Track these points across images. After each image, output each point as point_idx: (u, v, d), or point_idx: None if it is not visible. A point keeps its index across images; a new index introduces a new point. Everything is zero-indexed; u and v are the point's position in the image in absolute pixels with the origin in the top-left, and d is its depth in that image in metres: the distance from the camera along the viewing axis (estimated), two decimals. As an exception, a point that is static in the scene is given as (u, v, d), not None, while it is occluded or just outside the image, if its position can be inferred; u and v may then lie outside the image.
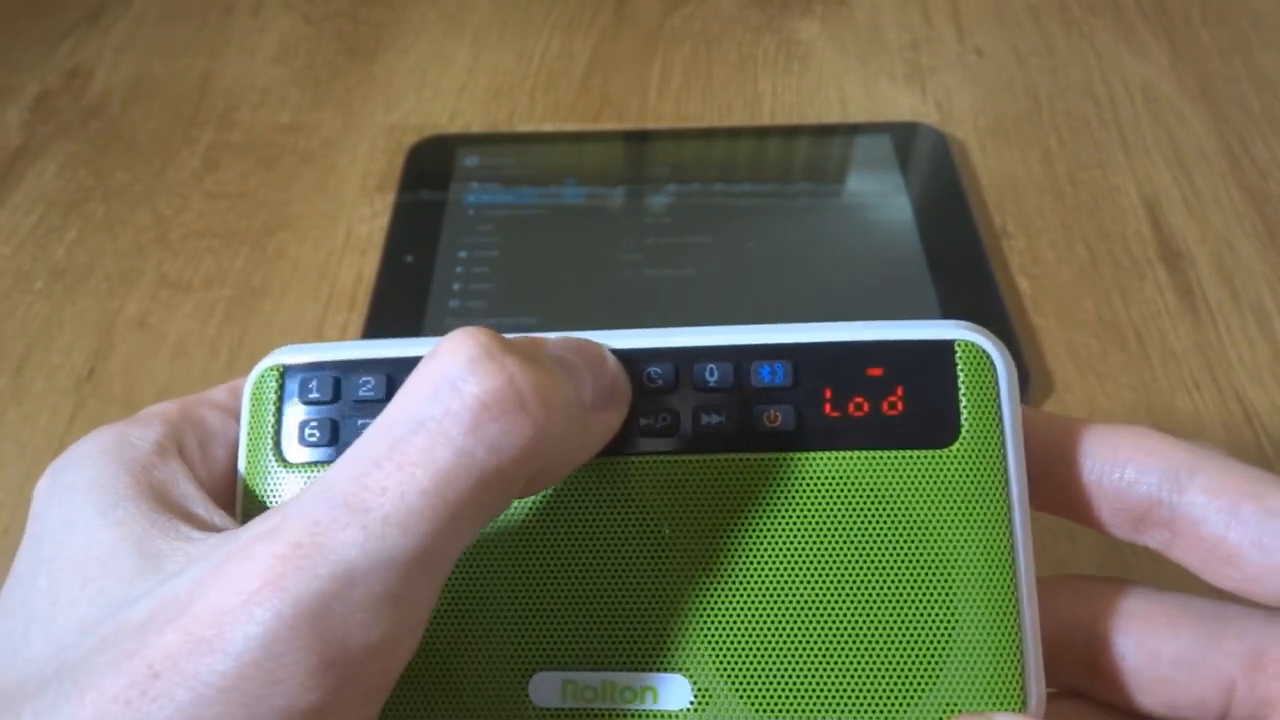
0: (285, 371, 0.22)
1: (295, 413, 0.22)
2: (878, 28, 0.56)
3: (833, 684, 0.19)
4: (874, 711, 0.19)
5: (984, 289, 0.41)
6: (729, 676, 0.20)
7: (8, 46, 0.57)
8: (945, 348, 0.20)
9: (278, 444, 0.22)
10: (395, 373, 0.21)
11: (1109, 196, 0.46)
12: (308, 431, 0.21)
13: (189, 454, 0.22)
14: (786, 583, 0.20)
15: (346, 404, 0.21)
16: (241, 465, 0.22)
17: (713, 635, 0.20)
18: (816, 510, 0.20)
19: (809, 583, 0.20)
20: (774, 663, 0.20)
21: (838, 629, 0.19)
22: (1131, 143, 0.49)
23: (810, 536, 0.20)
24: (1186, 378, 0.39)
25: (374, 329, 0.41)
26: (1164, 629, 0.20)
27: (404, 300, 0.42)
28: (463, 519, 0.17)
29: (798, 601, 0.20)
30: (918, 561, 0.20)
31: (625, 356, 0.21)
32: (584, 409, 0.19)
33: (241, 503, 0.22)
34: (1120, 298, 0.42)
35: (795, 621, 0.20)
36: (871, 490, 0.20)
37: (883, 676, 0.19)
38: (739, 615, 0.20)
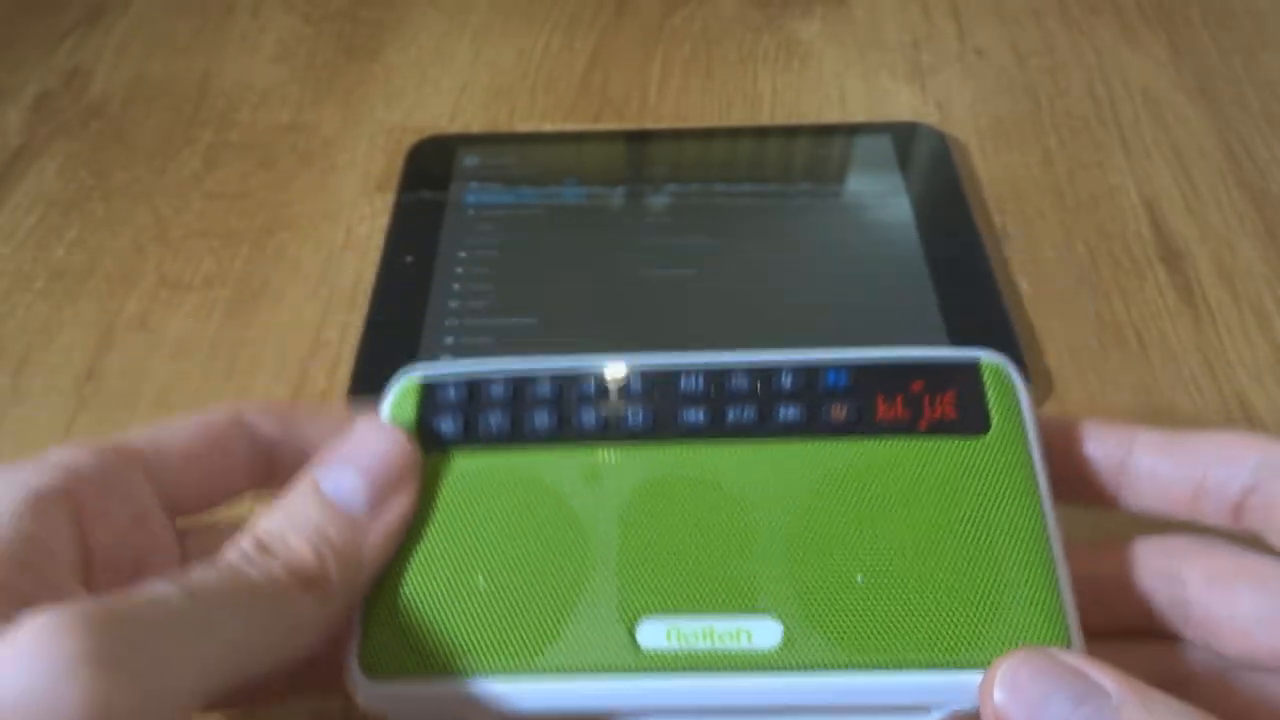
0: (423, 383, 0.26)
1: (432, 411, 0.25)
2: (878, 27, 0.56)
3: (903, 626, 0.22)
4: (941, 649, 0.22)
5: (984, 289, 0.41)
6: (815, 620, 0.22)
7: (8, 46, 0.57)
8: (972, 363, 0.25)
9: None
10: (523, 380, 0.25)
11: (1109, 196, 0.46)
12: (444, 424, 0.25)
13: (89, 508, 0.22)
14: (861, 543, 0.23)
15: (478, 404, 0.25)
16: None
17: (800, 585, 0.23)
18: (880, 482, 0.24)
19: (880, 543, 0.23)
20: (853, 609, 0.22)
21: (904, 581, 0.22)
22: (1131, 143, 0.49)
23: (877, 504, 0.23)
24: (1186, 378, 0.39)
25: (374, 329, 0.40)
26: (1246, 583, 0.23)
27: (404, 300, 0.42)
28: None
29: (871, 558, 0.23)
30: (966, 525, 0.23)
31: (713, 370, 0.25)
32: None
33: None
34: (1120, 298, 0.42)
35: (870, 574, 0.23)
36: (924, 468, 0.24)
37: (947, 620, 0.22)
38: (823, 569, 0.23)
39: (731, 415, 0.24)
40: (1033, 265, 0.43)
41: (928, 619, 0.22)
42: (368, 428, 0.24)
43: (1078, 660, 0.20)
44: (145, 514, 0.23)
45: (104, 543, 0.22)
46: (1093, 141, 0.49)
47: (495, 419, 0.25)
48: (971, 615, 0.22)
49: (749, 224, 0.44)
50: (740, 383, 0.25)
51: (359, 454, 0.23)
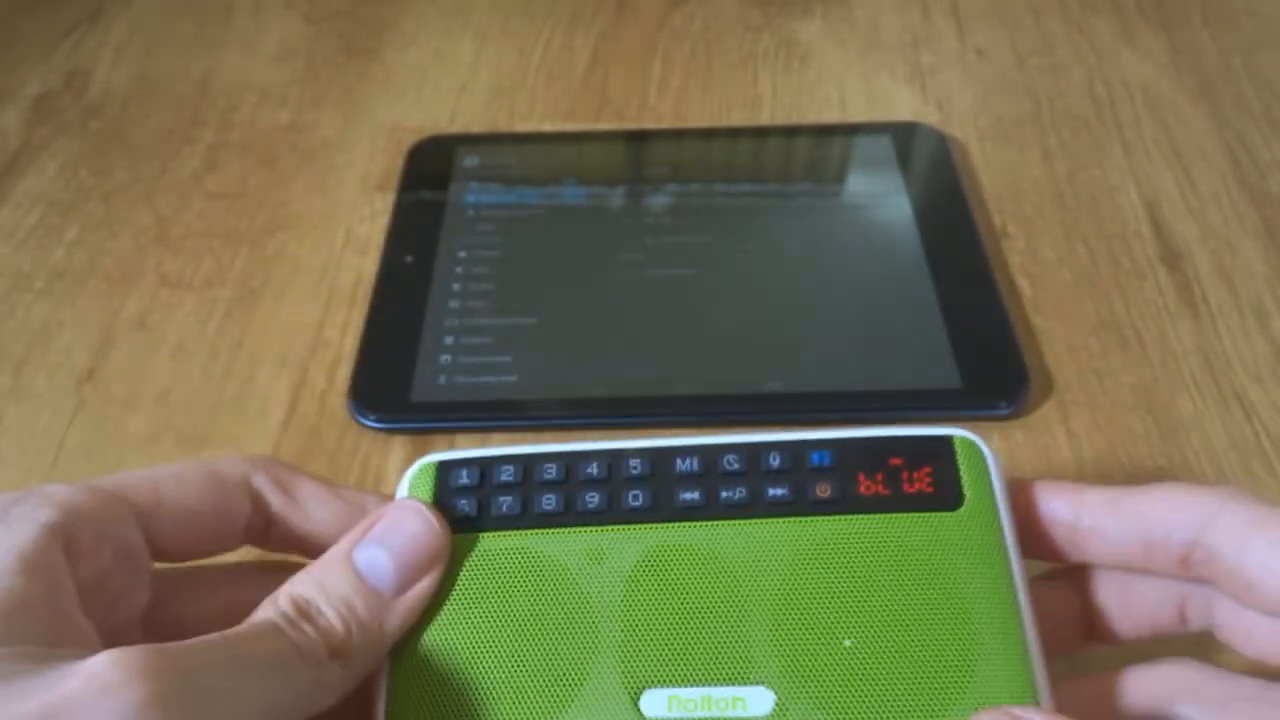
0: (439, 465, 0.27)
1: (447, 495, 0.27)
2: (878, 27, 0.56)
3: (884, 691, 0.24)
4: (919, 711, 0.24)
5: (984, 289, 0.41)
6: (804, 688, 0.24)
7: (8, 46, 0.57)
8: (946, 440, 0.27)
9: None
10: (531, 463, 0.27)
11: (1109, 196, 0.46)
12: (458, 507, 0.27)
13: (78, 549, 0.22)
14: (845, 615, 0.25)
15: (489, 487, 0.27)
16: None
17: (790, 656, 0.24)
18: (862, 556, 0.25)
19: (862, 614, 0.25)
20: (838, 677, 0.24)
21: (885, 649, 0.24)
22: (1131, 143, 0.49)
23: (860, 577, 0.25)
24: (1186, 378, 0.39)
25: (374, 329, 0.41)
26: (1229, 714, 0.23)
27: (404, 300, 0.42)
28: None
29: (854, 628, 0.24)
30: (943, 594, 0.25)
31: (707, 450, 0.27)
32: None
33: None
34: (1120, 298, 0.42)
35: (854, 643, 0.24)
36: (903, 541, 0.25)
37: (924, 684, 0.24)
38: (810, 640, 0.24)
39: (724, 495, 0.26)
40: (1033, 265, 0.43)
41: (907, 683, 0.24)
42: (404, 509, 0.25)
43: (1044, 718, 0.22)
44: (130, 559, 0.24)
45: (82, 578, 0.22)
46: (1093, 141, 0.49)
47: (506, 501, 0.27)
48: (947, 678, 0.24)
49: (749, 224, 0.44)
50: (732, 463, 0.27)
51: (393, 534, 0.25)
